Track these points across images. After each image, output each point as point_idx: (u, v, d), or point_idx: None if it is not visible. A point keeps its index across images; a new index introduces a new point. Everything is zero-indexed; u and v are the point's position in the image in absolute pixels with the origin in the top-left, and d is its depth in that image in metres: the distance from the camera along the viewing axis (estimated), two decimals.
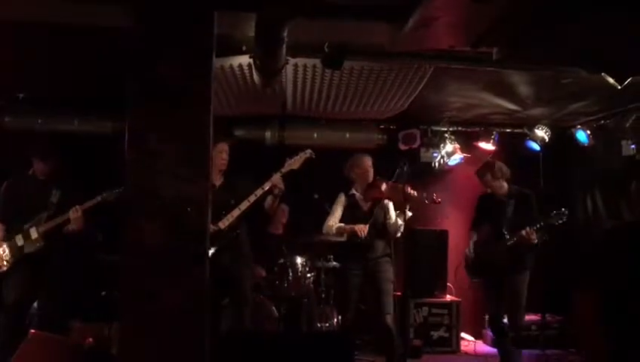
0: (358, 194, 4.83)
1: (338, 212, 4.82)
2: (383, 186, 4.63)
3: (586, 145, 6.17)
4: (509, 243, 4.66)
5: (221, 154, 4.47)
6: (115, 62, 3.47)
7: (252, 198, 4.35)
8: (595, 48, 3.13)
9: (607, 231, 5.90)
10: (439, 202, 4.86)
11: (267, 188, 4.36)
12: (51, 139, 5.36)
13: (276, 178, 4.36)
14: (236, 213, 4.34)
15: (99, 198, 4.39)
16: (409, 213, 4.57)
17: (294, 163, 4.48)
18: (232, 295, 4.57)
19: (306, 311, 5.53)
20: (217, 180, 4.48)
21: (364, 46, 3.85)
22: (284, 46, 3.38)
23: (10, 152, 5.22)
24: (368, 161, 4.81)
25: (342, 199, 4.87)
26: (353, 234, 4.65)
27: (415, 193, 4.49)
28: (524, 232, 4.55)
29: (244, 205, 4.34)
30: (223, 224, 4.31)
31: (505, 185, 4.88)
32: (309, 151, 4.55)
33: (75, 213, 4.32)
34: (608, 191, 6.11)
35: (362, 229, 4.62)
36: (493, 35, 2.96)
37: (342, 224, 4.76)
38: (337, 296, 5.74)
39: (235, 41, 3.95)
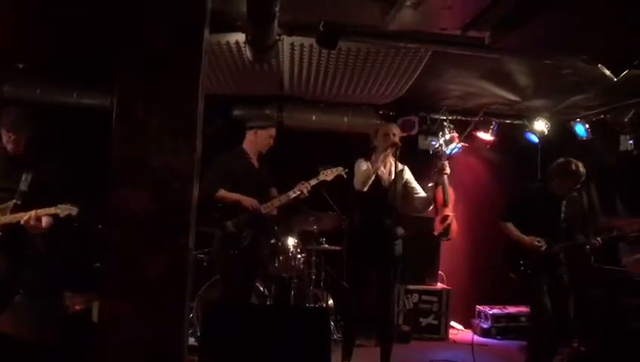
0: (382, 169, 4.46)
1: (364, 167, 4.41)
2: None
3: (584, 138, 6.15)
4: (573, 244, 4.63)
5: (270, 139, 4.60)
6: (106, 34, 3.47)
7: (292, 194, 4.49)
8: (587, 37, 3.11)
9: None
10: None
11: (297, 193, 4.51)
12: (27, 107, 4.93)
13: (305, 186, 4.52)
14: (276, 203, 4.51)
15: (53, 209, 3.51)
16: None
17: (329, 174, 4.60)
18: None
19: (296, 291, 5.56)
20: (255, 161, 4.62)
21: (359, 27, 3.84)
22: (276, 21, 3.38)
23: None
24: (394, 129, 4.44)
25: (363, 163, 4.45)
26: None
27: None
28: (597, 240, 4.59)
29: (284, 198, 4.51)
30: (265, 209, 4.45)
31: None
32: (343, 168, 4.64)
33: (28, 222, 3.46)
34: (604, 186, 6.08)
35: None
36: (484, 18, 2.95)
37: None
38: (328, 279, 5.78)
39: (231, 18, 3.95)
